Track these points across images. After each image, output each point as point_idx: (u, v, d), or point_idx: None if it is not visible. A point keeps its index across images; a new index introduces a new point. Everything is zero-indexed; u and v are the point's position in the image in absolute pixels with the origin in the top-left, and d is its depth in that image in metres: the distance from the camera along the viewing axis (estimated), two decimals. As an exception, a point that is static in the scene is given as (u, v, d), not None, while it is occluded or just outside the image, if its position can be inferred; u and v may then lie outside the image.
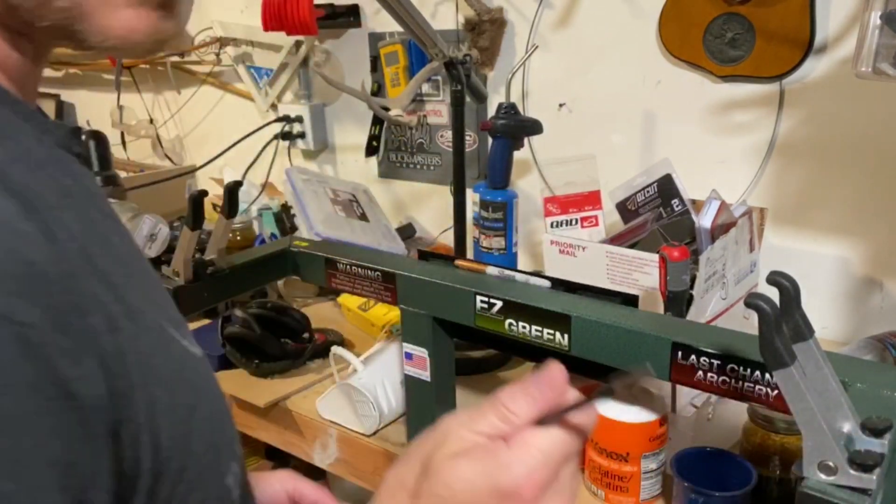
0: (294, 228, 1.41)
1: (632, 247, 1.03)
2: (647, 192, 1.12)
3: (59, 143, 0.39)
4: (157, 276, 0.44)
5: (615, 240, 1.07)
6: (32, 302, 0.30)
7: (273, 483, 0.66)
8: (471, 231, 1.24)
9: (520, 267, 1.22)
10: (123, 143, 2.19)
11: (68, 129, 0.42)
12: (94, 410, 0.31)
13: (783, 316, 0.45)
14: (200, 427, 0.38)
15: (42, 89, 2.46)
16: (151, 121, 2.14)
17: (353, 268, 0.92)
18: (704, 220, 1.02)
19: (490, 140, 1.19)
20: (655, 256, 0.90)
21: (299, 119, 1.74)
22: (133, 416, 0.33)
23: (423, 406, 0.89)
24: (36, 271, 0.30)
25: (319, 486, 0.68)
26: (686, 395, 0.95)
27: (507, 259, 1.19)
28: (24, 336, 0.29)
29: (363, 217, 1.46)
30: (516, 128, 1.17)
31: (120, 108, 2.08)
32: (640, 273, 0.95)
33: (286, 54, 1.76)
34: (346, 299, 1.28)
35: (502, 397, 0.44)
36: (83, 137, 1.24)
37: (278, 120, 1.74)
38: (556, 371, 0.44)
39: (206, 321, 1.27)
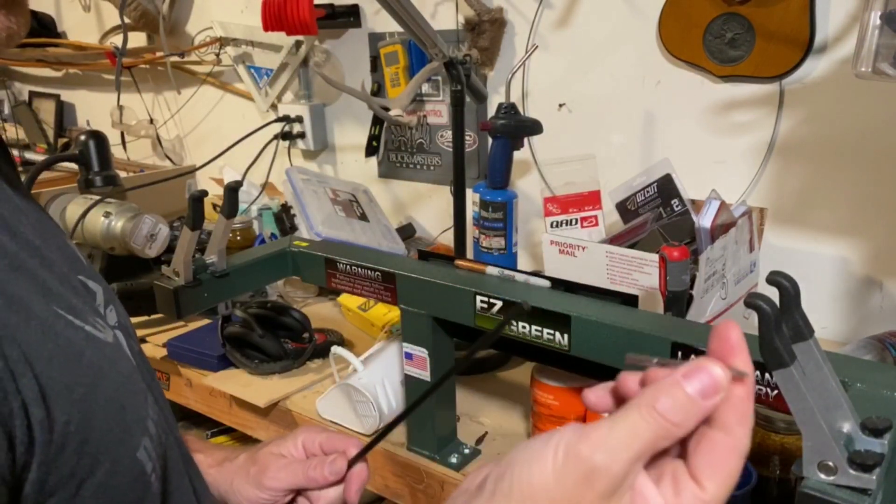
0: (294, 228, 1.41)
1: (632, 247, 1.03)
2: (647, 192, 1.12)
3: None
4: (67, 267, 0.47)
5: (615, 240, 1.07)
6: None
7: (288, 445, 0.68)
8: (471, 231, 1.24)
9: (520, 267, 1.22)
10: (123, 143, 2.19)
11: None
12: None
13: (783, 316, 0.45)
14: (103, 405, 0.41)
15: (42, 89, 2.47)
16: (151, 121, 2.14)
17: (353, 268, 0.92)
18: (704, 220, 1.02)
19: (490, 140, 1.19)
20: (655, 256, 0.90)
21: (299, 119, 1.74)
22: (16, 391, 0.36)
23: (423, 406, 0.89)
24: None
25: (334, 434, 0.69)
26: (686, 395, 0.95)
27: (507, 259, 1.19)
28: None
29: (363, 217, 1.46)
30: (516, 128, 1.17)
31: (120, 108, 2.08)
32: (640, 273, 0.95)
33: (286, 54, 1.76)
34: (346, 299, 1.28)
35: (660, 404, 0.37)
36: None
37: (278, 120, 1.74)
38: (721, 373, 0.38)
39: (206, 321, 1.27)
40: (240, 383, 1.10)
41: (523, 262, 1.44)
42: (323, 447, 0.67)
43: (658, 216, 1.11)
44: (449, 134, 1.41)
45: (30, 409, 0.37)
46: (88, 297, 0.48)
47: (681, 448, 0.40)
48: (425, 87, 1.56)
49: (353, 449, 0.66)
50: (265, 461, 0.67)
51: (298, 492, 0.67)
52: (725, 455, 0.38)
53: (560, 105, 1.40)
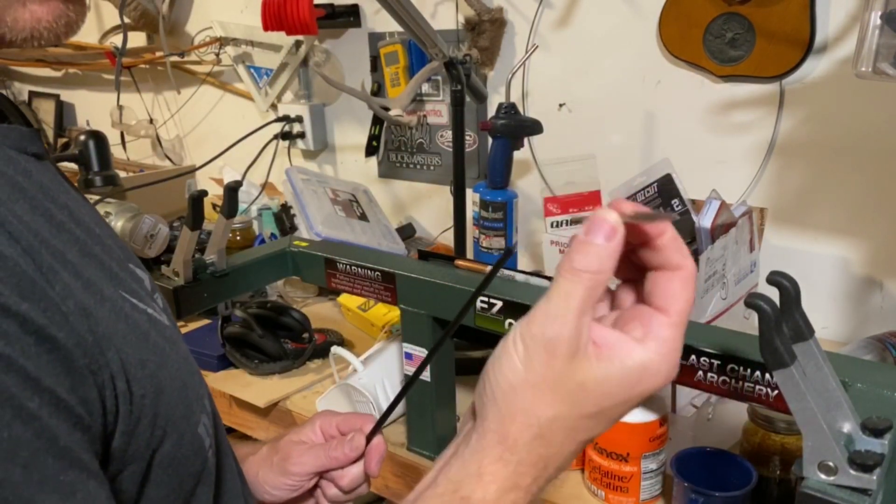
0: (294, 228, 1.41)
1: (632, 247, 1.02)
2: (647, 192, 1.12)
3: (12, 145, 0.44)
4: (122, 255, 0.49)
5: (615, 240, 1.07)
6: None
7: (307, 431, 0.71)
8: (471, 231, 1.24)
9: (520, 267, 1.22)
10: (123, 143, 2.19)
11: (23, 131, 0.46)
12: (71, 352, 0.37)
13: (783, 316, 0.45)
14: (169, 382, 0.44)
15: (42, 89, 2.47)
16: (151, 121, 2.13)
17: (353, 268, 0.92)
18: (704, 220, 1.02)
19: (490, 140, 1.19)
20: (655, 256, 0.89)
21: (299, 119, 1.74)
22: (106, 364, 0.39)
23: (423, 406, 0.89)
24: None
25: (350, 414, 0.71)
26: (686, 395, 0.95)
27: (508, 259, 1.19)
28: None
29: (363, 217, 1.46)
30: (516, 128, 1.17)
31: (120, 108, 2.08)
32: (640, 273, 0.95)
33: (286, 54, 1.76)
34: (346, 299, 1.28)
35: (576, 262, 0.41)
36: (84, 139, 1.24)
37: (278, 120, 1.74)
38: (608, 215, 0.42)
39: (206, 321, 1.27)
40: (240, 383, 1.10)
41: (523, 262, 1.44)
42: (340, 428, 0.70)
43: (658, 216, 1.11)
44: (449, 134, 1.41)
45: (116, 380, 0.40)
46: (141, 283, 0.50)
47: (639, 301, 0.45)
48: (425, 87, 1.56)
49: (368, 425, 0.68)
50: (287, 449, 0.69)
51: (321, 475, 0.69)
52: (682, 284, 0.43)
53: (560, 105, 1.40)
